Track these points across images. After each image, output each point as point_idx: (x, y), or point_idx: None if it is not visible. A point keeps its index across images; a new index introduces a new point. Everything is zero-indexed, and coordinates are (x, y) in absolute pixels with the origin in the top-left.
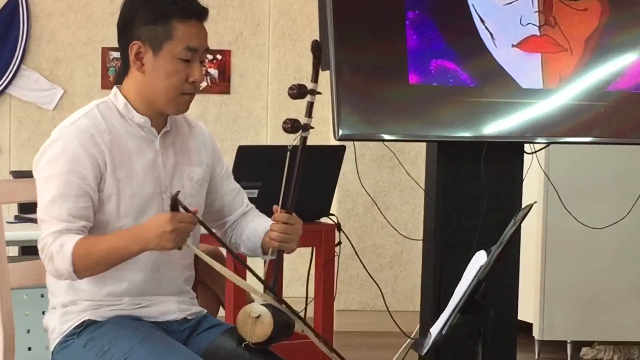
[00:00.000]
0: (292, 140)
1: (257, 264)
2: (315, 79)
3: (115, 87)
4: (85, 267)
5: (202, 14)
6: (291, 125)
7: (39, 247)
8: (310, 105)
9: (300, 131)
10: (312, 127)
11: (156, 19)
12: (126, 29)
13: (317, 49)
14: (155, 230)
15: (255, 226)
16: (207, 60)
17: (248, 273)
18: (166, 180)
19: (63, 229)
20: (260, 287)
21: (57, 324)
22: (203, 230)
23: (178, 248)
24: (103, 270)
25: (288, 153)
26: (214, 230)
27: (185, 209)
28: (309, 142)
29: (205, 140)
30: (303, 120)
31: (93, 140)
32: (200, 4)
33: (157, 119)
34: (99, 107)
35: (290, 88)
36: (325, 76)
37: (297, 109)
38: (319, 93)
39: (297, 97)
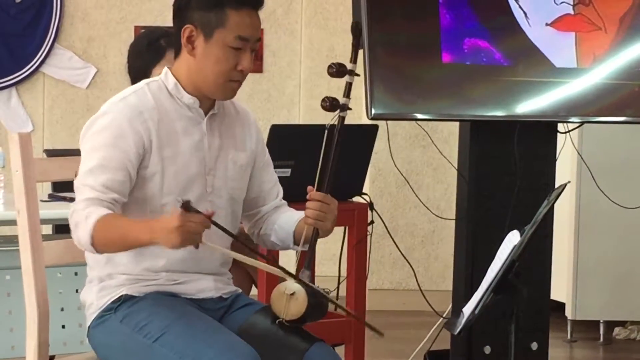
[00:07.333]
0: (325, 119)
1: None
2: (354, 59)
3: (166, 67)
4: (102, 243)
5: (257, 3)
6: (330, 104)
7: (69, 213)
8: (349, 86)
9: (338, 111)
10: (350, 109)
11: (210, 5)
12: (181, 11)
13: (357, 30)
14: (165, 224)
15: (289, 216)
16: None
17: (281, 255)
18: (210, 162)
19: (93, 197)
20: (291, 269)
21: (95, 298)
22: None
23: (195, 247)
24: (117, 251)
25: (325, 132)
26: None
27: (197, 211)
28: None
29: (250, 127)
30: (341, 100)
31: (141, 118)
32: None
33: (206, 101)
34: (149, 85)
35: (330, 66)
36: (358, 55)
37: (329, 88)
38: (357, 75)
39: (335, 76)
